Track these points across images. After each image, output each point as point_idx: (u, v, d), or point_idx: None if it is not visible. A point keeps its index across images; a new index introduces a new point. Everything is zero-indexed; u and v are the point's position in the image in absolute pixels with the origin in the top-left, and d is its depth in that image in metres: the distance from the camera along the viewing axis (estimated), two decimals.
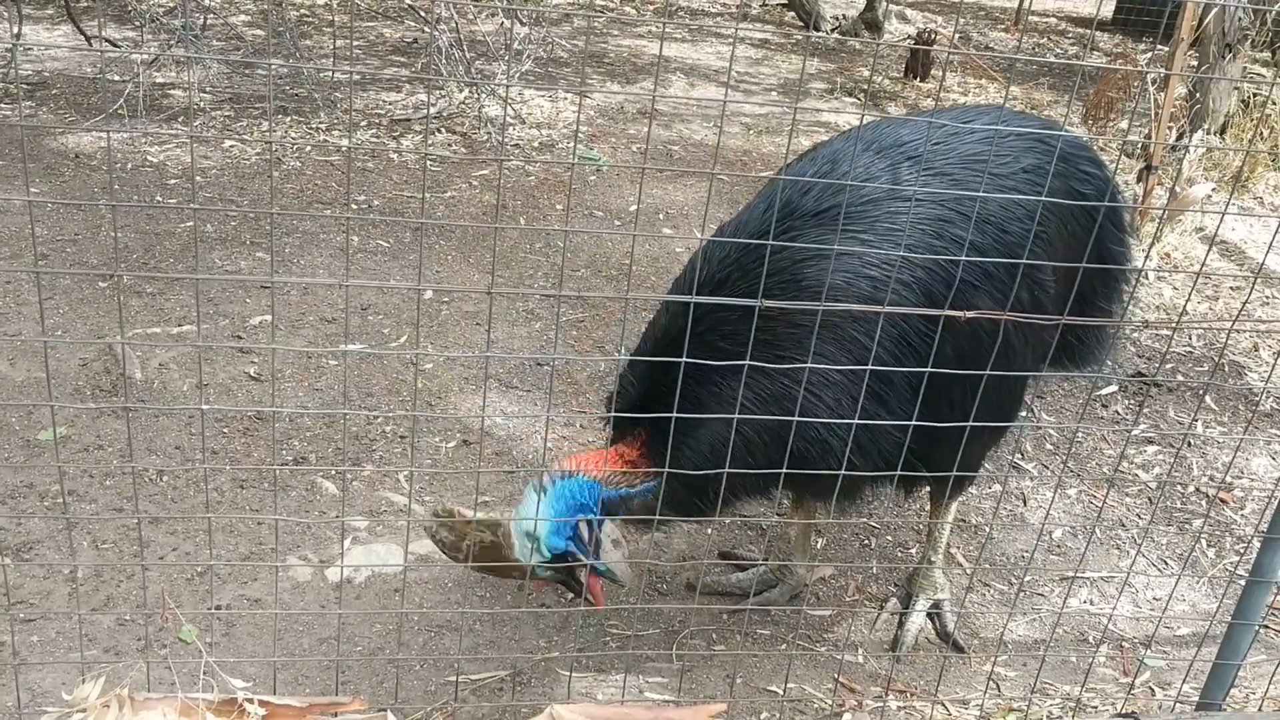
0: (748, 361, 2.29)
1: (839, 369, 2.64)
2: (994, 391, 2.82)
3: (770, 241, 2.59)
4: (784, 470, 2.47)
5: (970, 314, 2.35)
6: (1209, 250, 2.94)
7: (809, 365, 2.55)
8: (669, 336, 2.79)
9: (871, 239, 2.67)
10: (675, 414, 2.31)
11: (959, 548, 3.95)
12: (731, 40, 11.88)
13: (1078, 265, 2.76)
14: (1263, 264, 6.72)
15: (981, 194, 2.71)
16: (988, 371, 2.40)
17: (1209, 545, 4.13)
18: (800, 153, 3.13)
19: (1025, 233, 2.75)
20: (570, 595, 3.10)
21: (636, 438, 2.79)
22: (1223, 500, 4.40)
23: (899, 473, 2.65)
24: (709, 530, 3.95)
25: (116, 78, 8.02)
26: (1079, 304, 3.12)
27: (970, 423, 2.44)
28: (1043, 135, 2.94)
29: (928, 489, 3.41)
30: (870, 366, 2.55)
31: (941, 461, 2.67)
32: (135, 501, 3.72)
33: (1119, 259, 3.24)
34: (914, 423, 2.50)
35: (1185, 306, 6.05)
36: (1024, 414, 4.87)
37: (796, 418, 2.52)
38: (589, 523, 2.73)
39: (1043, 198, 2.70)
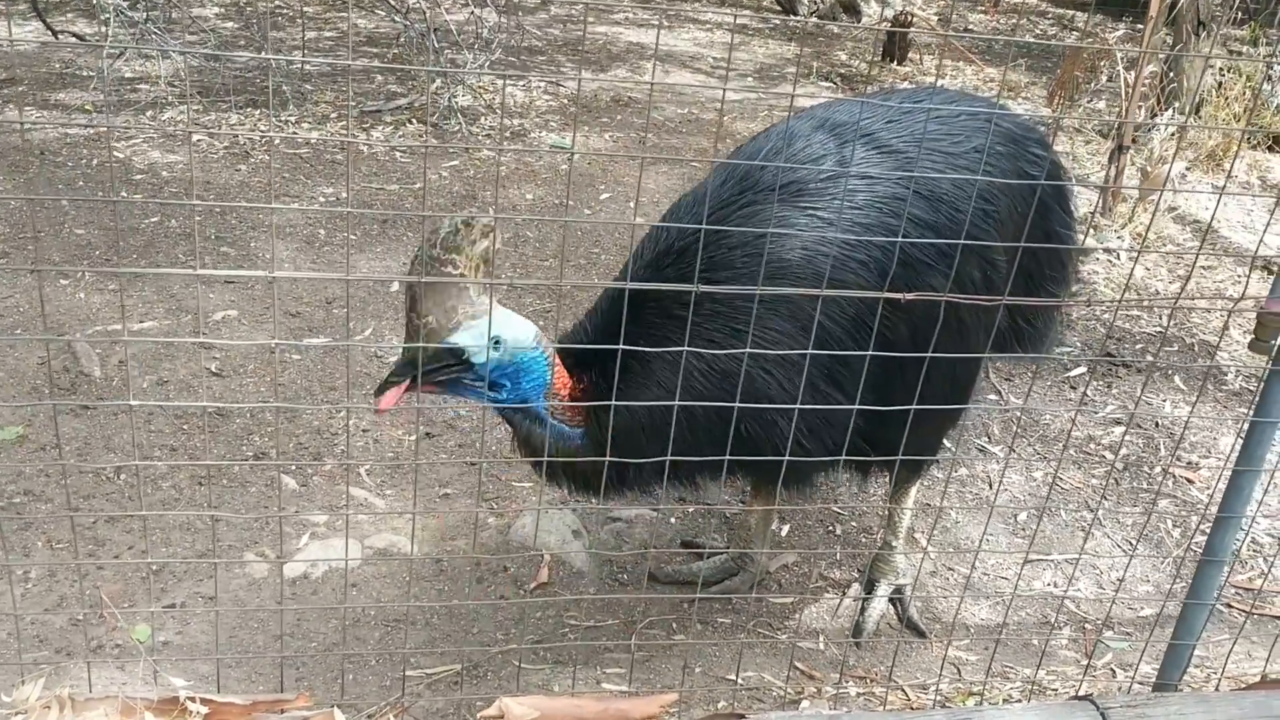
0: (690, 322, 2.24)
1: (790, 352, 2.61)
2: (948, 373, 2.81)
3: (714, 228, 2.57)
4: (727, 456, 2.43)
5: (910, 296, 2.32)
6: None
7: (744, 354, 2.53)
8: (624, 299, 2.74)
9: (827, 215, 2.65)
10: (621, 346, 2.27)
11: (923, 532, 3.93)
12: (710, 26, 11.84)
13: (1032, 245, 2.74)
14: (1206, 232, 6.71)
15: (928, 174, 2.70)
16: (928, 354, 2.35)
17: (1174, 525, 4.12)
18: (756, 133, 3.11)
19: (978, 212, 2.73)
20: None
21: (582, 380, 2.70)
22: (1189, 480, 4.39)
23: (844, 457, 2.61)
24: (671, 519, 3.93)
25: (85, 73, 7.96)
26: (1027, 286, 3.11)
27: (917, 406, 2.41)
28: (990, 116, 2.92)
29: (887, 474, 3.39)
30: (811, 351, 2.52)
31: (895, 445, 2.65)
32: (67, 500, 3.69)
33: (1066, 242, 3.22)
34: (861, 407, 2.48)
35: (1185, 290, 6.04)
36: (993, 397, 4.85)
37: (743, 407, 2.49)
38: (507, 391, 2.56)
39: (994, 179, 2.68)
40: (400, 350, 2.50)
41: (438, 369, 2.44)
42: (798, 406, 2.56)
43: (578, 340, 2.76)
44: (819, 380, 2.63)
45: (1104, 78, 7.74)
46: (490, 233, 2.35)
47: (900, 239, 2.63)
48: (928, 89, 3.30)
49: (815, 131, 2.81)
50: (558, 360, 2.64)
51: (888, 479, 3.45)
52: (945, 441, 3.59)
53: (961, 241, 2.65)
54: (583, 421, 2.68)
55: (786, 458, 2.53)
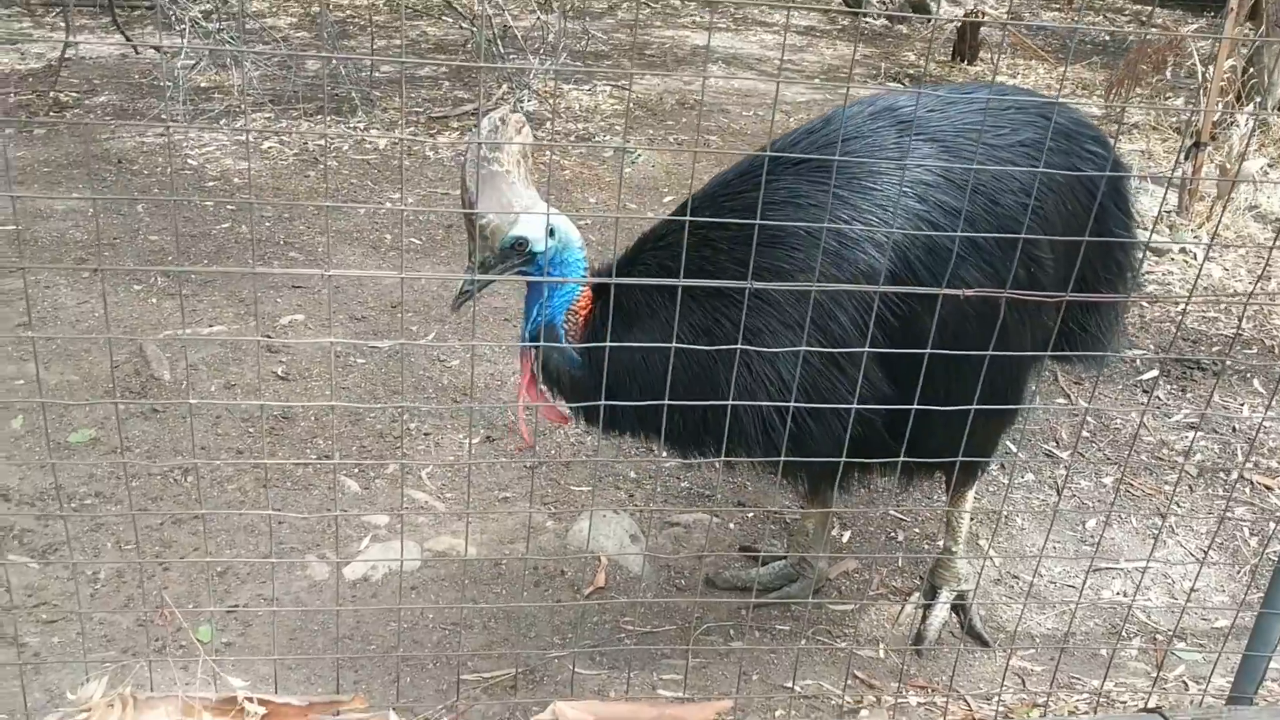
0: (682, 281, 2.20)
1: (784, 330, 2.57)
2: (988, 373, 2.69)
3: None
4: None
5: (970, 292, 2.27)
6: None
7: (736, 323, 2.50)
8: (644, 241, 2.80)
9: (846, 194, 2.61)
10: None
11: (986, 539, 3.86)
12: (778, 29, 11.77)
13: (1076, 241, 2.66)
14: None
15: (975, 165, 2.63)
16: (927, 351, 2.27)
17: (1251, 534, 3.99)
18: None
19: (1019, 205, 2.65)
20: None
21: (594, 305, 2.75)
22: (1267, 487, 4.25)
23: (835, 460, 2.53)
24: (730, 524, 3.90)
25: (163, 84, 8.16)
26: (1080, 288, 2.99)
27: (936, 407, 2.35)
28: (1043, 109, 2.85)
29: (941, 476, 3.32)
30: (799, 352, 2.48)
31: (935, 446, 2.58)
32: (129, 502, 3.76)
33: (1125, 245, 3.12)
34: (859, 407, 2.44)
35: (1257, 290, 5.86)
36: (1061, 400, 4.75)
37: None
38: (543, 296, 2.66)
39: (1039, 171, 2.62)
40: (467, 258, 2.63)
41: (505, 266, 2.59)
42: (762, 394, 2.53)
43: (602, 261, 2.87)
44: (814, 358, 2.57)
45: (1169, 72, 7.52)
46: (524, 126, 2.49)
47: (898, 232, 2.56)
48: (984, 84, 3.22)
49: (855, 115, 2.77)
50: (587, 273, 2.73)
51: (944, 483, 3.38)
52: (1000, 445, 3.49)
53: (1002, 234, 2.58)
54: (578, 336, 2.74)
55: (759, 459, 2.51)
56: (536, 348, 2.69)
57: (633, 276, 2.68)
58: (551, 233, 2.58)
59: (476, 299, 2.69)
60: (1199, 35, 8.49)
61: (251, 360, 4.64)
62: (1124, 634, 3.48)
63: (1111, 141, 3.05)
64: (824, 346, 2.55)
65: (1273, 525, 3.99)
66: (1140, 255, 4.27)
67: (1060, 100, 2.83)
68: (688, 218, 2.53)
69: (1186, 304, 2.50)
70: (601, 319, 2.64)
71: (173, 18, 7.68)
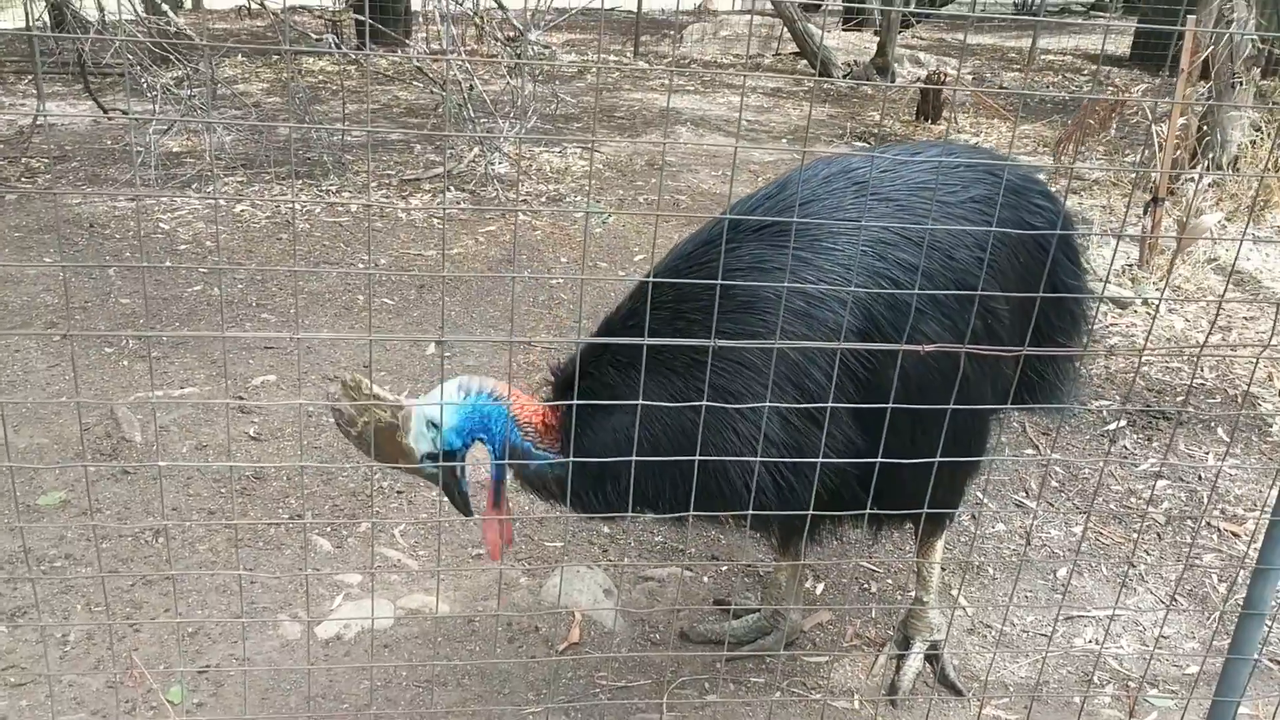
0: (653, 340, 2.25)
1: (761, 387, 2.60)
2: (950, 424, 2.74)
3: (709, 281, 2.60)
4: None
5: (930, 348, 2.32)
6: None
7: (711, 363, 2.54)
8: (610, 322, 2.84)
9: (809, 255, 2.66)
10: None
11: (958, 589, 3.88)
12: (741, 91, 11.99)
13: (1030, 295, 2.73)
14: (1231, 273, 6.62)
15: (929, 224, 2.70)
16: (888, 404, 2.33)
17: (1220, 580, 4.04)
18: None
19: (973, 260, 2.72)
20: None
21: (557, 408, 2.77)
22: (1234, 534, 4.30)
23: (808, 513, 2.57)
24: (704, 578, 3.91)
25: (135, 149, 8.20)
26: (1034, 338, 3.05)
27: (895, 461, 2.38)
28: (992, 167, 2.93)
29: (907, 526, 3.36)
30: (762, 407, 2.51)
31: (900, 496, 2.61)
32: (99, 563, 3.73)
33: (1075, 294, 3.19)
34: (819, 460, 2.47)
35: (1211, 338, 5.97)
36: (1030, 451, 4.80)
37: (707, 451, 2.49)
38: (490, 444, 2.70)
39: (991, 227, 2.69)
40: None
41: (453, 470, 2.70)
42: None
43: (561, 370, 2.89)
44: (792, 415, 2.61)
45: (1115, 128, 7.72)
46: (357, 383, 2.58)
47: (865, 291, 2.62)
48: (933, 143, 3.31)
49: (810, 179, 2.84)
50: (518, 396, 2.75)
51: (914, 532, 3.41)
52: (967, 494, 3.53)
53: (960, 290, 2.64)
54: (551, 444, 2.76)
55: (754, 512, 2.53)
56: (507, 469, 2.77)
57: (603, 362, 2.71)
58: (432, 425, 2.64)
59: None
60: (1148, 97, 8.72)
61: (223, 422, 4.64)
62: (1096, 681, 3.50)
63: (1059, 195, 3.14)
64: (801, 403, 2.60)
65: (1239, 572, 4.04)
66: (1093, 304, 4.36)
67: (1009, 158, 2.91)
68: (650, 281, 2.59)
69: (1141, 353, 2.56)
70: (568, 412, 2.68)
71: (144, 84, 7.74)
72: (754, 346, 2.56)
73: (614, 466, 2.59)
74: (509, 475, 2.80)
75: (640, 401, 2.42)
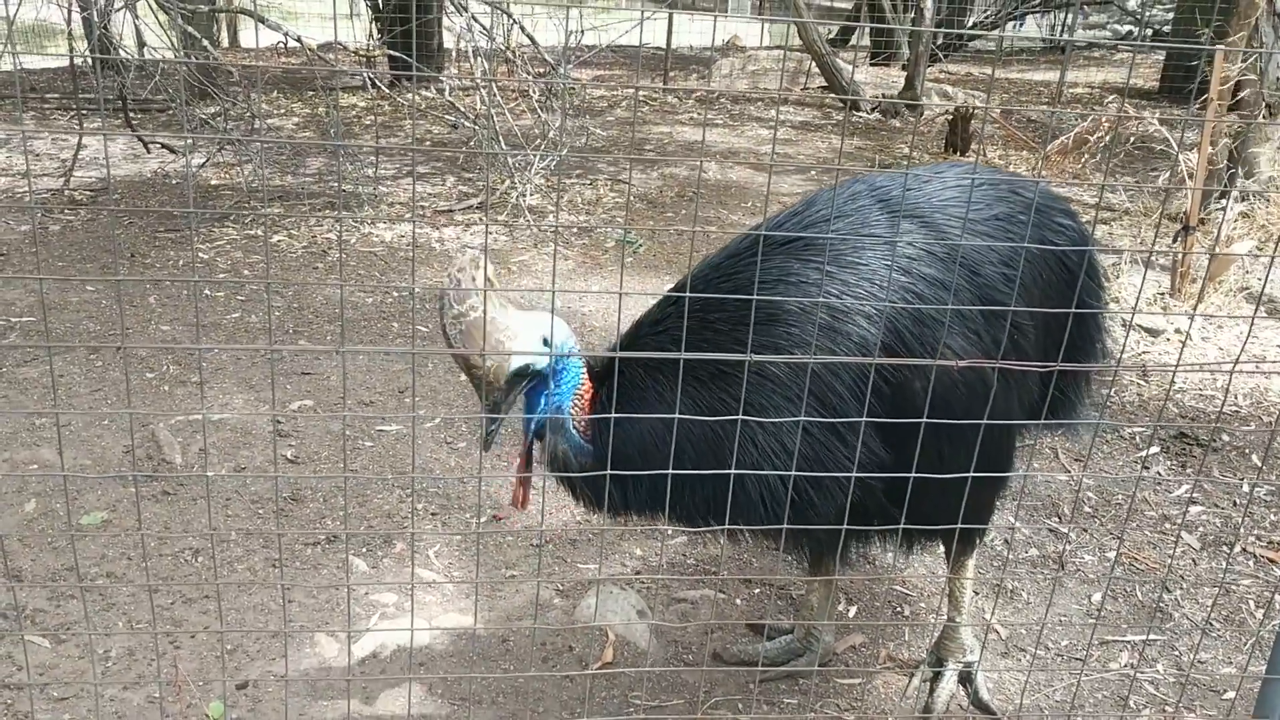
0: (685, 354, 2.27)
1: (785, 394, 2.62)
2: (975, 439, 2.75)
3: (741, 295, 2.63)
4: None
5: (963, 363, 2.35)
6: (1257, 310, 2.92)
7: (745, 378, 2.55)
8: (641, 325, 2.87)
9: (834, 270, 2.70)
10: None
11: (992, 612, 3.88)
12: (772, 123, 12.06)
13: (1057, 311, 2.75)
14: (1260, 298, 6.59)
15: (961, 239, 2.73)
16: (911, 419, 2.34)
17: (1257, 605, 4.01)
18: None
19: (999, 276, 2.75)
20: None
21: (596, 392, 2.78)
22: (1271, 560, 4.28)
23: (830, 527, 2.58)
24: (736, 600, 3.93)
25: (174, 181, 8.36)
26: (1058, 352, 3.07)
27: (918, 475, 2.40)
28: (1014, 185, 2.97)
29: (939, 545, 3.37)
30: (803, 418, 2.54)
31: (927, 512, 2.62)
32: (147, 575, 3.79)
33: (1096, 310, 3.22)
34: (812, 475, 2.48)
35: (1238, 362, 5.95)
36: (1063, 477, 4.79)
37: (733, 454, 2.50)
38: (542, 397, 2.69)
39: (1015, 243, 2.72)
40: (482, 403, 2.65)
41: (516, 393, 2.64)
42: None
43: (601, 356, 2.91)
44: (815, 429, 2.63)
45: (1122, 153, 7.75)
46: (478, 259, 2.51)
47: (891, 305, 2.64)
48: (950, 164, 3.35)
49: (835, 197, 2.88)
50: (585, 364, 2.78)
51: (945, 551, 3.42)
52: (996, 512, 3.53)
53: (986, 305, 2.67)
54: (583, 430, 2.76)
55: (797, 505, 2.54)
56: (541, 438, 2.76)
57: (634, 363, 2.74)
58: (546, 342, 2.62)
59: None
60: (1160, 121, 8.73)
61: (261, 445, 4.70)
62: (1132, 705, 3.49)
63: (1079, 213, 3.18)
64: (824, 417, 2.62)
65: (1274, 595, 4.01)
66: (1123, 330, 4.37)
67: (1035, 178, 2.95)
68: (687, 293, 2.62)
69: (1175, 369, 2.58)
70: (605, 405, 2.70)
71: (185, 118, 7.90)
72: (787, 361, 2.59)
73: (635, 466, 2.63)
74: (537, 445, 2.79)
75: (677, 415, 2.45)
